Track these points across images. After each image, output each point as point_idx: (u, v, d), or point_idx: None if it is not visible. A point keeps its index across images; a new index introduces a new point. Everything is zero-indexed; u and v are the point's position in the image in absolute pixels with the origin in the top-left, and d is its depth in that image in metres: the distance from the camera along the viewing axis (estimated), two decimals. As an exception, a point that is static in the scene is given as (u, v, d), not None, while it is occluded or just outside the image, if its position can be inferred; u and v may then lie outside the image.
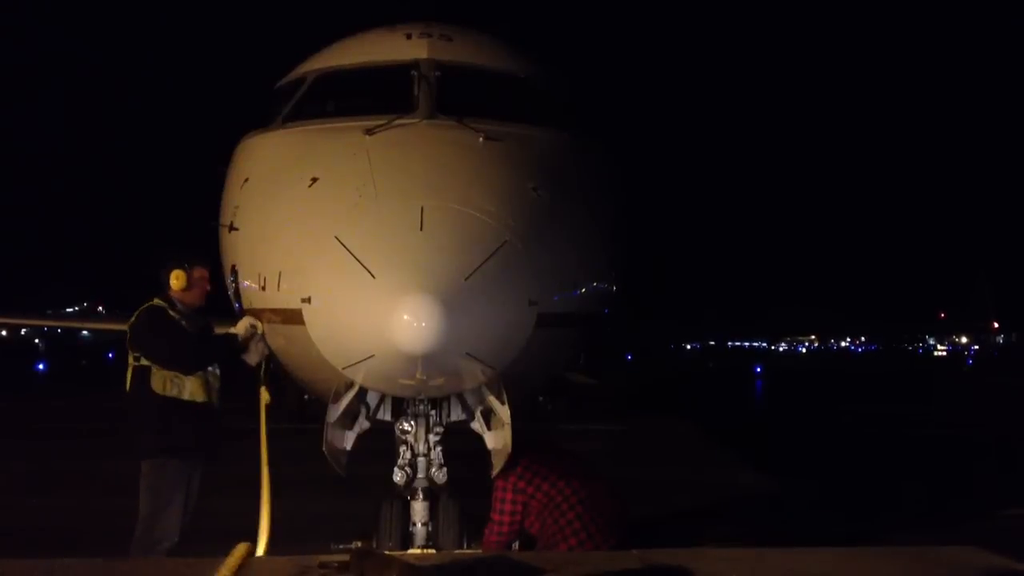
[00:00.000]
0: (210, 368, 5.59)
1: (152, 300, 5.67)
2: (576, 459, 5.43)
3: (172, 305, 5.66)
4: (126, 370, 5.58)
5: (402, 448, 4.71)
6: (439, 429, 4.71)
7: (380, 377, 3.97)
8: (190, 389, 5.49)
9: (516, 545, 5.19)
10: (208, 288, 5.84)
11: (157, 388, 5.43)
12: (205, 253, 5.87)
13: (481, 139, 4.56)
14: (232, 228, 5.12)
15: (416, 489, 4.75)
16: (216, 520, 5.56)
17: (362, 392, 4.42)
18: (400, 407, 4.73)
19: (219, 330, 5.98)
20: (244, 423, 5.73)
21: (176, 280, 5.63)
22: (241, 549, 3.29)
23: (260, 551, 4.63)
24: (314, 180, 4.39)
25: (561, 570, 2.61)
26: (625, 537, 5.03)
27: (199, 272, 5.75)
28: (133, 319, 5.64)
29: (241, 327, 5.37)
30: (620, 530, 5.09)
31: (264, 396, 5.62)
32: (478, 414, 4.74)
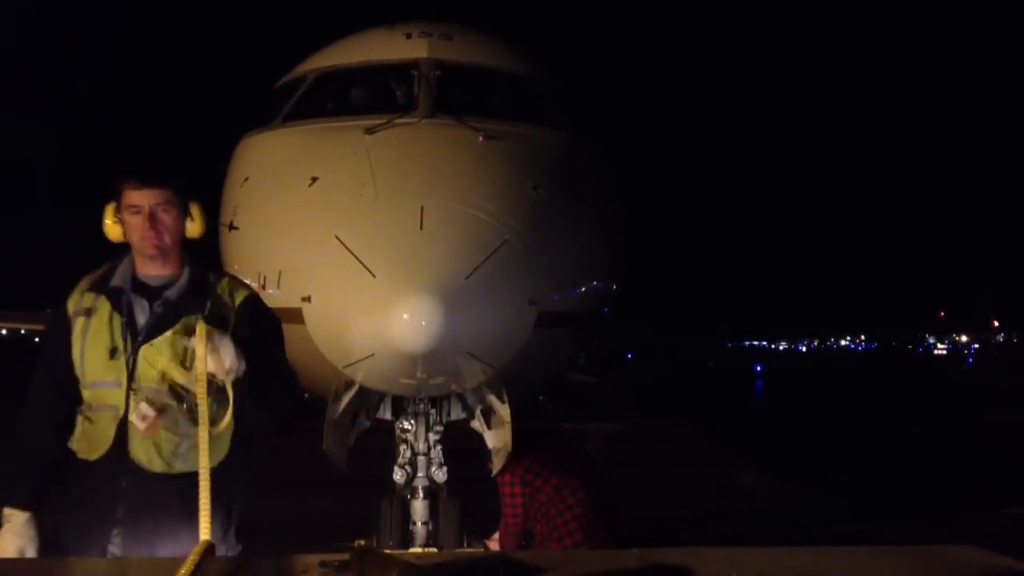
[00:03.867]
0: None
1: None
2: (581, 454, 5.45)
3: (105, 280, 3.31)
4: None
5: (402, 447, 4.71)
6: (439, 428, 4.71)
7: (380, 376, 3.98)
8: (80, 432, 3.37)
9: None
10: (157, 226, 3.20)
11: None
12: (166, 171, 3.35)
13: (481, 138, 4.55)
14: (232, 227, 5.12)
15: (416, 488, 4.74)
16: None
17: (362, 391, 4.42)
18: (400, 406, 4.73)
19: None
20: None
21: (108, 224, 3.33)
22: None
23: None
24: (314, 179, 4.39)
25: (560, 569, 2.61)
26: (622, 535, 5.03)
27: (131, 196, 3.20)
28: None
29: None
30: (620, 529, 5.10)
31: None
32: (478, 413, 4.75)
